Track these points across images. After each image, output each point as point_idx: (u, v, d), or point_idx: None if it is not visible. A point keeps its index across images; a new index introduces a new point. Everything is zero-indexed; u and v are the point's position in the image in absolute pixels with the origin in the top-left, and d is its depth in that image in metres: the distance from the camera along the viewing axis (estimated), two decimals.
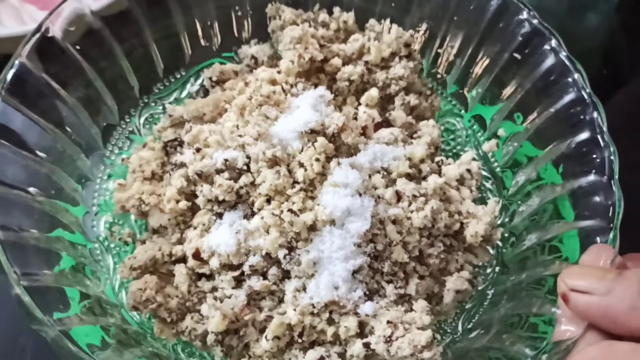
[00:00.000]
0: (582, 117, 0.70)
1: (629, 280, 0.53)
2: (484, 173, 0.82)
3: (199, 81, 0.88)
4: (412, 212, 0.71)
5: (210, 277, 0.74)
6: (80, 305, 0.63)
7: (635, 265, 0.61)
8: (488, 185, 0.82)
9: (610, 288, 0.53)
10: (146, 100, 0.85)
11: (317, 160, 0.72)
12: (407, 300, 0.72)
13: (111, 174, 0.81)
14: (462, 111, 0.87)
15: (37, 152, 0.70)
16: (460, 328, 0.75)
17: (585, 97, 0.70)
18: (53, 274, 0.63)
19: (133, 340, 0.64)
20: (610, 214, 0.64)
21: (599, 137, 0.68)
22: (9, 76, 0.68)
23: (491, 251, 0.77)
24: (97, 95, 0.79)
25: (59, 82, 0.73)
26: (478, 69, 0.84)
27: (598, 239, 0.64)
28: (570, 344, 0.57)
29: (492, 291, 0.75)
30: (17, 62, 0.69)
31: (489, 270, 0.77)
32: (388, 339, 0.65)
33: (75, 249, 0.69)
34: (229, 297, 0.72)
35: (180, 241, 0.75)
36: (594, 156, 0.68)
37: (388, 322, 0.67)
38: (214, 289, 0.73)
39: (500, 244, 0.77)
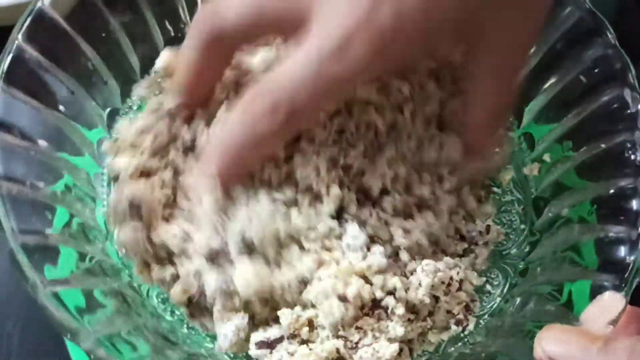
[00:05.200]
0: (632, 158, 0.63)
1: (616, 356, 0.46)
2: (518, 196, 0.76)
3: None
4: None
5: None
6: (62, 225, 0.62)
7: None
8: (519, 209, 0.76)
9: None
10: None
11: None
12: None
13: (142, 105, 0.80)
14: (515, 126, 0.80)
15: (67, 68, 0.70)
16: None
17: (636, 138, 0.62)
18: (45, 191, 0.63)
19: (103, 272, 0.63)
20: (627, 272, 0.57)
21: None
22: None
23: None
24: (143, 22, 0.77)
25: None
26: (541, 84, 0.76)
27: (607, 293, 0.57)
28: None
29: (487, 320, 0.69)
30: None
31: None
32: (354, 345, 0.61)
33: (77, 171, 0.68)
34: None
35: None
36: (630, 205, 0.61)
37: (357, 327, 0.63)
38: None
39: (512, 274, 0.72)
